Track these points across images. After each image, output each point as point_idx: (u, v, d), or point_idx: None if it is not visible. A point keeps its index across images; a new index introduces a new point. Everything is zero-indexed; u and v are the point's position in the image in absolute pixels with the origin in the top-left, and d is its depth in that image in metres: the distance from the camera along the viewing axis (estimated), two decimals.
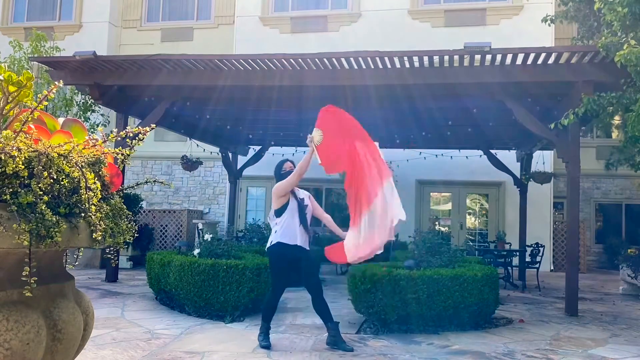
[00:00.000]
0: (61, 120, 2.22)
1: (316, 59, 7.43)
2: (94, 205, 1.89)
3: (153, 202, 15.44)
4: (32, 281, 1.71)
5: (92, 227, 1.89)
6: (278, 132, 12.10)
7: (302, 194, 5.27)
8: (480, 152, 11.97)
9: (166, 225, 13.57)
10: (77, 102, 12.00)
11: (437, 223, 14.19)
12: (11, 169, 1.67)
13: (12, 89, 1.91)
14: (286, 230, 4.92)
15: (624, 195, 15.45)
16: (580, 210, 10.07)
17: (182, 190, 15.44)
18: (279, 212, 5.00)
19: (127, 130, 2.18)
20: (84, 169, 1.88)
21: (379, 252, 4.57)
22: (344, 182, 4.86)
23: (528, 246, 10.43)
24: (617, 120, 12.14)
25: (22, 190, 1.70)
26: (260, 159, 13.36)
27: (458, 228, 13.96)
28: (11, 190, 1.69)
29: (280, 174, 5.25)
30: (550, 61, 7.03)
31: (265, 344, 4.87)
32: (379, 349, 4.93)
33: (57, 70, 8.54)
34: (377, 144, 4.75)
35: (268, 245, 5.04)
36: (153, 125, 2.52)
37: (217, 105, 9.10)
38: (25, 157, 1.72)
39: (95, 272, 9.91)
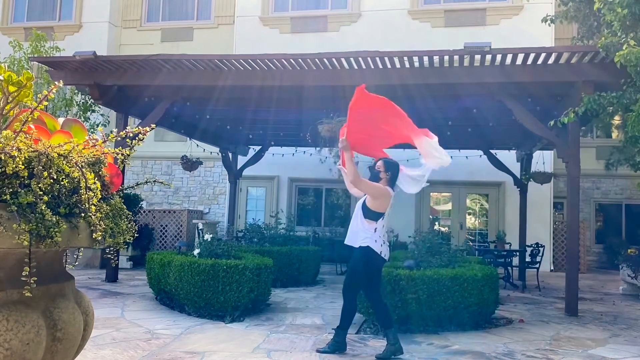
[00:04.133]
0: (61, 120, 2.22)
1: (316, 59, 7.43)
2: (94, 205, 1.89)
3: (153, 202, 15.44)
4: (32, 281, 1.71)
5: (92, 227, 1.89)
6: (278, 132, 12.10)
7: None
8: (480, 152, 11.97)
9: (166, 225, 13.57)
10: (77, 102, 12.00)
11: (436, 223, 14.20)
12: (11, 169, 1.67)
13: (12, 89, 1.91)
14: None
15: (624, 195, 15.45)
16: (580, 210, 10.07)
17: (182, 190, 15.44)
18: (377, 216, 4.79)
19: (127, 130, 2.18)
20: (84, 169, 1.88)
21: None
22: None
23: (528, 246, 10.43)
24: (617, 120, 12.14)
25: (22, 190, 1.70)
26: (260, 159, 13.37)
27: (458, 228, 13.96)
28: (11, 190, 1.69)
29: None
30: (550, 61, 7.03)
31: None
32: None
33: (57, 70, 8.54)
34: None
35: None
36: (153, 126, 2.52)
37: (217, 105, 9.10)
38: (25, 157, 1.72)
39: (95, 272, 9.91)
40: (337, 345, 4.77)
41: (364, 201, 4.82)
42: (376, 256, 4.70)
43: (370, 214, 4.73)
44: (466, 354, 4.88)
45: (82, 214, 1.88)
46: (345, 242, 4.90)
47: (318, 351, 4.77)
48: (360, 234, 4.74)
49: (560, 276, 10.33)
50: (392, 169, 4.94)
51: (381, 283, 5.16)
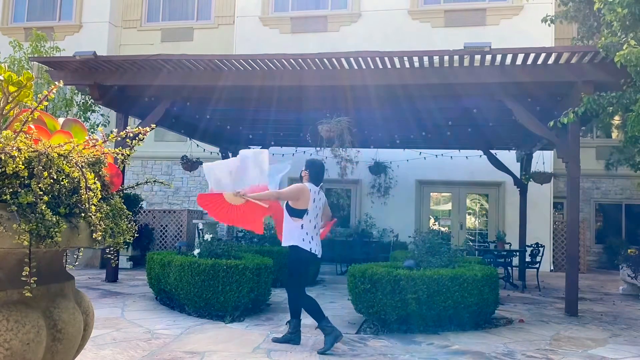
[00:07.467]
0: (61, 120, 2.22)
1: (316, 59, 7.42)
2: (94, 205, 1.89)
3: (153, 202, 15.44)
4: (32, 281, 1.71)
5: (92, 227, 1.89)
6: (278, 132, 12.11)
7: None
8: (480, 152, 11.97)
9: (166, 225, 13.56)
10: (77, 102, 11.99)
11: (436, 223, 14.20)
12: (11, 169, 1.67)
13: (12, 89, 1.91)
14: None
15: (624, 195, 15.45)
16: (580, 210, 10.07)
17: (182, 190, 15.44)
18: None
19: (127, 130, 2.19)
20: (84, 169, 1.88)
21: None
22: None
23: (528, 246, 10.42)
24: (617, 120, 12.14)
25: (22, 190, 1.70)
26: None
27: (458, 228, 13.96)
28: (11, 190, 1.69)
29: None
30: (550, 61, 7.03)
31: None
32: (379, 349, 4.93)
33: (57, 71, 8.54)
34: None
35: None
36: (153, 126, 2.52)
37: (217, 105, 9.10)
38: (25, 157, 1.72)
39: (95, 272, 9.91)
40: (291, 335, 5.06)
41: (287, 201, 5.10)
42: (305, 253, 4.94)
43: (294, 212, 4.99)
44: (466, 354, 4.88)
45: (82, 214, 1.88)
46: (282, 244, 5.17)
47: (274, 340, 5.07)
48: (288, 233, 5.03)
49: (560, 276, 10.33)
50: (312, 166, 5.19)
51: (306, 277, 5.46)
